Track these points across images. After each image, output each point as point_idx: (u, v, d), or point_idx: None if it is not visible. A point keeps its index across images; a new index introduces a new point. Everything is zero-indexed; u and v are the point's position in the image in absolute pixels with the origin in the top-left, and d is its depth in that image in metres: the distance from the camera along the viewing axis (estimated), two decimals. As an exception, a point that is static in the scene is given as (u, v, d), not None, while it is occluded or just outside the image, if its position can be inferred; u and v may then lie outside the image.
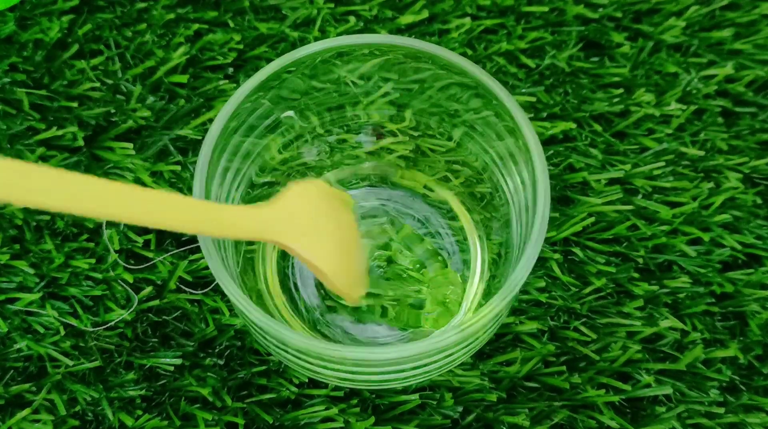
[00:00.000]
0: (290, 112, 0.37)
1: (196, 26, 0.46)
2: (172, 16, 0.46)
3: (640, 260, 0.42)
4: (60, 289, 0.40)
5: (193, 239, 0.41)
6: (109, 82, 0.44)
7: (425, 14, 0.47)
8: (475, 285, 0.39)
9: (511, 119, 0.33)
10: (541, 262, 0.41)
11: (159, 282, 0.40)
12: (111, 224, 0.41)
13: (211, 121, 0.43)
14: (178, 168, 0.42)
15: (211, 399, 0.38)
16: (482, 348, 0.38)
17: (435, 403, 0.38)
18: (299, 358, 0.32)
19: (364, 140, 0.40)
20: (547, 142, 0.44)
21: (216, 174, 0.33)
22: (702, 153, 0.44)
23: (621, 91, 0.46)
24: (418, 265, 0.39)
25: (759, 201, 0.44)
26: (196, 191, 0.31)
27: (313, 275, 0.39)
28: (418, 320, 0.38)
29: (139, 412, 0.37)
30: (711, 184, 0.44)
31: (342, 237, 0.33)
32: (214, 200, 0.33)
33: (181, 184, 0.42)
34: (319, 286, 0.39)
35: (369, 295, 0.38)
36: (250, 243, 0.38)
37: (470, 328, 0.30)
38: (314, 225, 0.32)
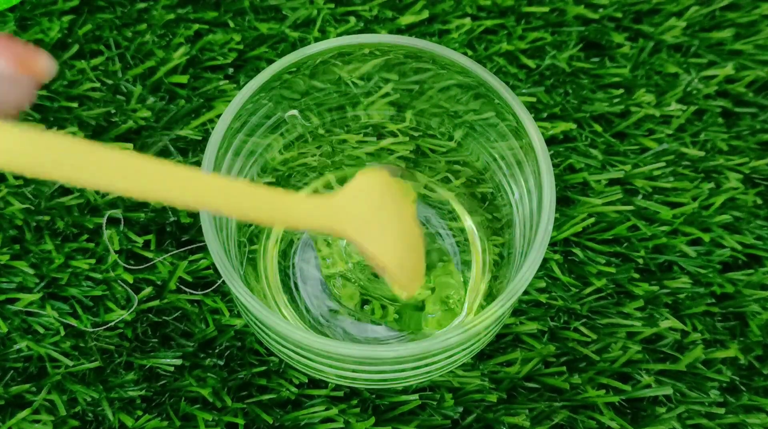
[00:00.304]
0: (294, 111, 0.37)
1: (196, 26, 0.46)
2: (172, 16, 0.46)
3: (641, 261, 0.42)
4: (60, 290, 0.40)
5: (194, 239, 0.41)
6: (110, 82, 0.44)
7: (425, 14, 0.47)
8: (477, 286, 0.39)
9: (514, 118, 0.33)
10: (542, 262, 0.41)
11: (159, 282, 0.40)
12: (111, 224, 0.41)
13: (211, 121, 0.43)
14: (179, 168, 0.42)
15: (211, 399, 0.38)
16: (482, 348, 0.38)
17: (435, 403, 0.38)
18: (300, 355, 0.32)
19: None
20: (547, 143, 0.44)
21: (220, 174, 0.33)
22: (702, 153, 0.44)
23: (621, 91, 0.46)
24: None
25: (759, 201, 0.44)
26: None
27: (314, 275, 0.39)
28: (419, 321, 0.38)
29: (139, 413, 0.37)
30: (711, 185, 0.44)
31: (404, 229, 0.33)
32: None
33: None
34: (321, 285, 0.39)
35: (369, 295, 0.38)
36: (252, 242, 0.38)
37: (473, 329, 0.30)
38: (377, 216, 0.31)
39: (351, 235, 0.30)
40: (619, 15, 0.48)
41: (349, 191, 0.31)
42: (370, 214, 0.31)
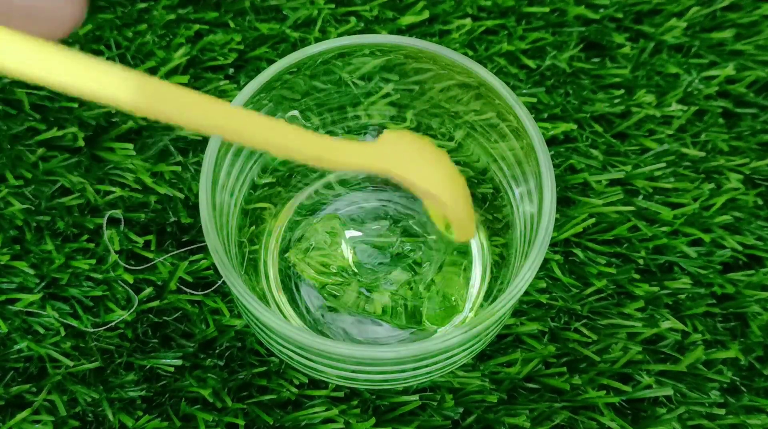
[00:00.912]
0: (295, 112, 0.37)
1: (196, 27, 0.46)
2: (172, 16, 0.46)
3: (641, 261, 0.42)
4: (60, 290, 0.39)
5: (194, 240, 0.41)
6: (110, 82, 0.44)
7: (426, 15, 0.47)
8: (477, 286, 0.39)
9: (515, 118, 0.33)
10: (542, 263, 0.41)
11: (159, 283, 0.40)
12: (111, 224, 0.41)
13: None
14: (179, 169, 0.42)
15: (211, 400, 0.38)
16: (483, 349, 0.38)
17: (435, 404, 0.38)
18: (301, 356, 0.32)
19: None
20: (547, 143, 0.44)
21: (221, 174, 0.33)
22: (703, 154, 0.44)
23: (622, 92, 0.46)
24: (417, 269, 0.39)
25: (760, 202, 0.44)
26: (201, 192, 0.31)
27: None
28: (420, 319, 0.38)
29: (140, 413, 0.37)
30: (712, 185, 0.44)
31: (448, 170, 0.33)
32: (218, 201, 0.33)
33: (181, 184, 0.42)
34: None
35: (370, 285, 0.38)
36: (252, 243, 0.38)
37: (474, 329, 0.30)
38: (421, 158, 0.32)
39: (400, 172, 0.31)
40: (620, 15, 0.48)
41: (387, 138, 0.32)
42: (413, 155, 0.32)
